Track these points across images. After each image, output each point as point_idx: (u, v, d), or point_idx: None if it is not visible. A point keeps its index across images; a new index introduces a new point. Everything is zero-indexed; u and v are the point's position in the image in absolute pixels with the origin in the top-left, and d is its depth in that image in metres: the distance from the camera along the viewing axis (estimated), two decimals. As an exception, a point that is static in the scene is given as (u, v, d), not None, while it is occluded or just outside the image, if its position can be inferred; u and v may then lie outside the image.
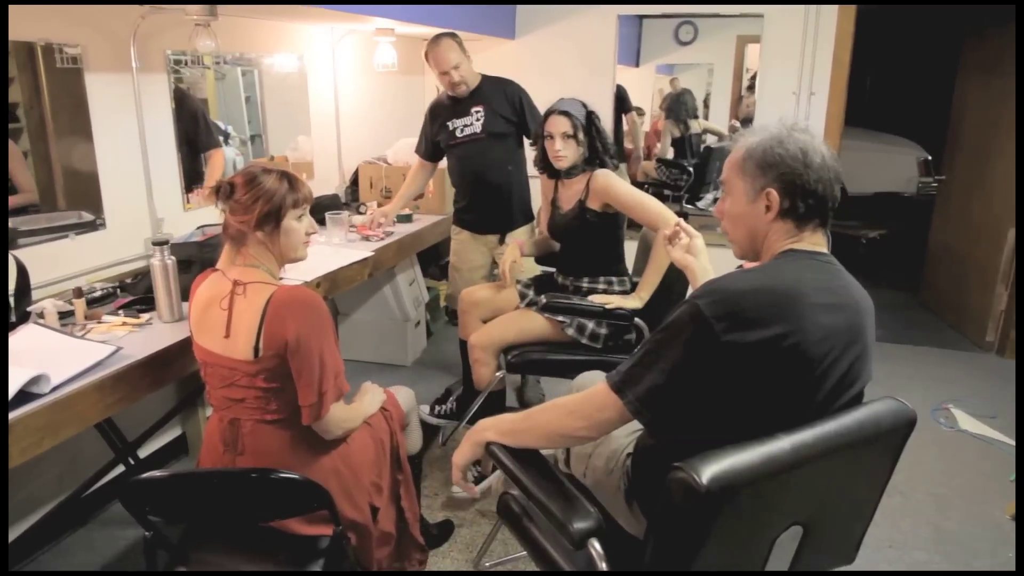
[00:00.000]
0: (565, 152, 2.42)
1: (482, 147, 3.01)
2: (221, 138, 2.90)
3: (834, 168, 1.24)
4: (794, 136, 1.24)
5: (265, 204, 1.56)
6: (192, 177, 2.73)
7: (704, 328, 1.11)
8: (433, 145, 3.14)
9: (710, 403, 1.14)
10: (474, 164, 3.05)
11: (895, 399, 1.24)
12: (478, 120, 3.00)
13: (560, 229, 2.60)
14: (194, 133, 2.71)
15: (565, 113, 2.41)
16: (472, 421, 2.66)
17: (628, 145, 4.65)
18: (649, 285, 2.40)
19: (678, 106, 4.73)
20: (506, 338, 2.54)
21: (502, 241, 3.14)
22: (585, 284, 2.56)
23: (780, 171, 1.23)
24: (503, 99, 3.01)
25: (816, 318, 1.14)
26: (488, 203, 3.09)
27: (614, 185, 2.40)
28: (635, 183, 4.65)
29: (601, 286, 2.54)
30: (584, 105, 2.47)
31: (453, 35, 2.91)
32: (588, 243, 2.53)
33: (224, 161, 2.88)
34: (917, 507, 2.54)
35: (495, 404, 2.68)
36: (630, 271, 2.66)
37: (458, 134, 3.03)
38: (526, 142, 3.07)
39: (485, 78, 3.04)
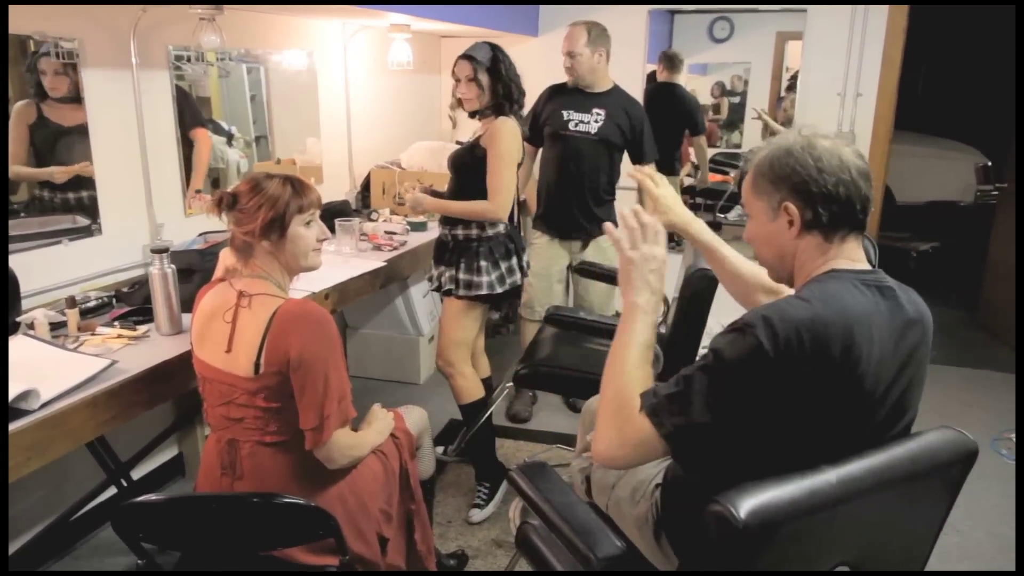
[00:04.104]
0: (469, 95, 2.50)
1: (590, 148, 3.12)
2: (225, 136, 2.93)
3: (858, 166, 1.20)
4: (807, 145, 1.21)
5: (269, 211, 1.58)
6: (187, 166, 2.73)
7: (759, 358, 1.10)
8: (538, 127, 3.22)
9: (756, 436, 1.13)
10: (574, 161, 3.14)
11: (953, 428, 1.22)
12: (596, 121, 3.11)
13: (452, 159, 2.64)
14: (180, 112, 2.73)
15: (468, 57, 2.49)
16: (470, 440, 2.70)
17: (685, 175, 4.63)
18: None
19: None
20: (460, 337, 2.63)
21: (584, 247, 3.26)
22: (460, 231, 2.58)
23: (793, 181, 1.21)
24: (625, 114, 3.13)
25: (873, 346, 1.13)
26: (576, 205, 3.17)
27: (495, 137, 2.45)
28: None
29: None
30: (494, 49, 2.51)
31: (591, 26, 3.05)
32: (473, 178, 2.54)
33: (211, 142, 2.88)
34: (977, 548, 2.49)
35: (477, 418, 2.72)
36: (668, 289, 2.67)
37: (571, 127, 3.13)
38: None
39: (616, 88, 3.17)
